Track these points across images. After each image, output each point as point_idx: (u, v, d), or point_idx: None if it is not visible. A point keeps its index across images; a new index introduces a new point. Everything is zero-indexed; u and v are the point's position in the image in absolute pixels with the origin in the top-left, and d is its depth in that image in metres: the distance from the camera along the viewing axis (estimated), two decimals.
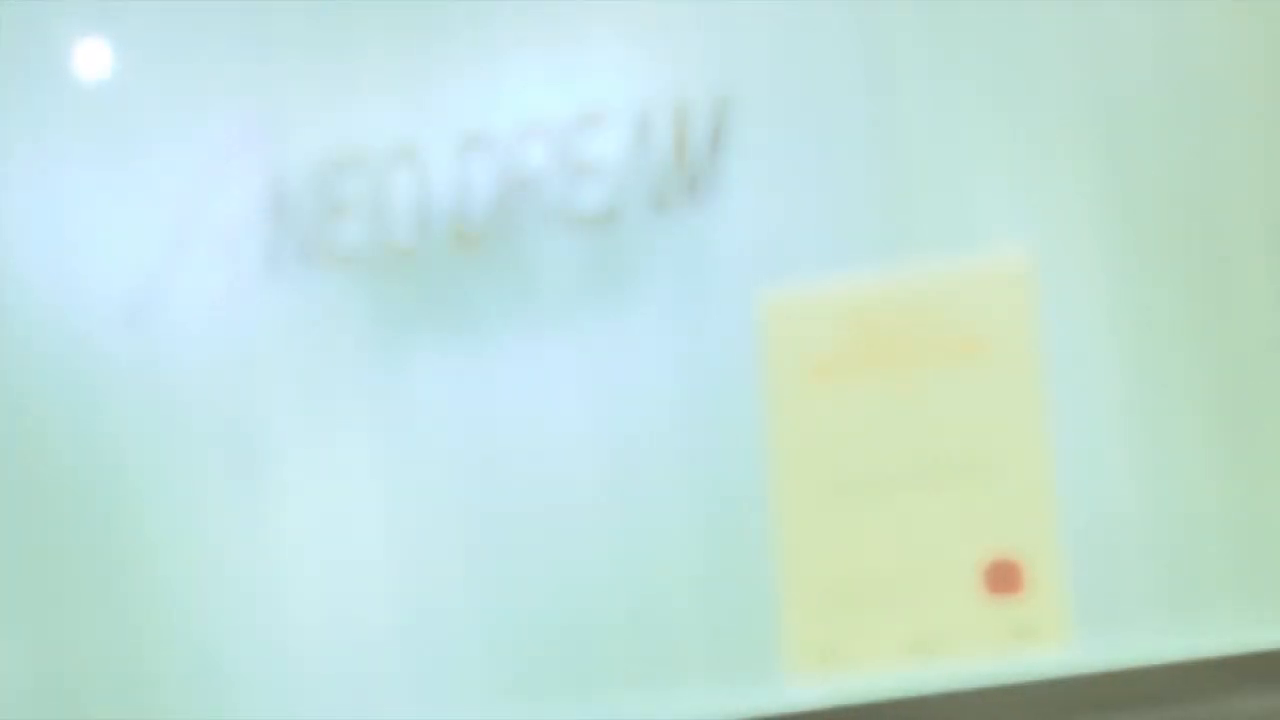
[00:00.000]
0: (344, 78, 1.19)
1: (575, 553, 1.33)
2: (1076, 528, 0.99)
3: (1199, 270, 1.06)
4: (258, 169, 1.16)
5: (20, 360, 1.18)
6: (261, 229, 1.22)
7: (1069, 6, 1.08)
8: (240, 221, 1.20)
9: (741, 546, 1.22)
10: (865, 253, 1.08)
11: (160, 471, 1.26)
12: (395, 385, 1.37)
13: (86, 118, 1.19)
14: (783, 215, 1.16)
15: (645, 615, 1.31)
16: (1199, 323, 1.06)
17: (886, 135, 1.12)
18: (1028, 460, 0.98)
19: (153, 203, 1.18)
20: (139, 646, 1.13)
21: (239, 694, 1.18)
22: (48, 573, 1.16)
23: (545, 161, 1.15)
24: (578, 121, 1.16)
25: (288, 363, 1.40)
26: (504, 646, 1.35)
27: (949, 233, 1.06)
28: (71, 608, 1.15)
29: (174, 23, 1.19)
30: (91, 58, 1.18)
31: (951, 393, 0.99)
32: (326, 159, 1.20)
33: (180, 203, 1.19)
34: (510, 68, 1.19)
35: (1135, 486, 1.06)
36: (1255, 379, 1.06)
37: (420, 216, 1.21)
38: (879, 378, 1.02)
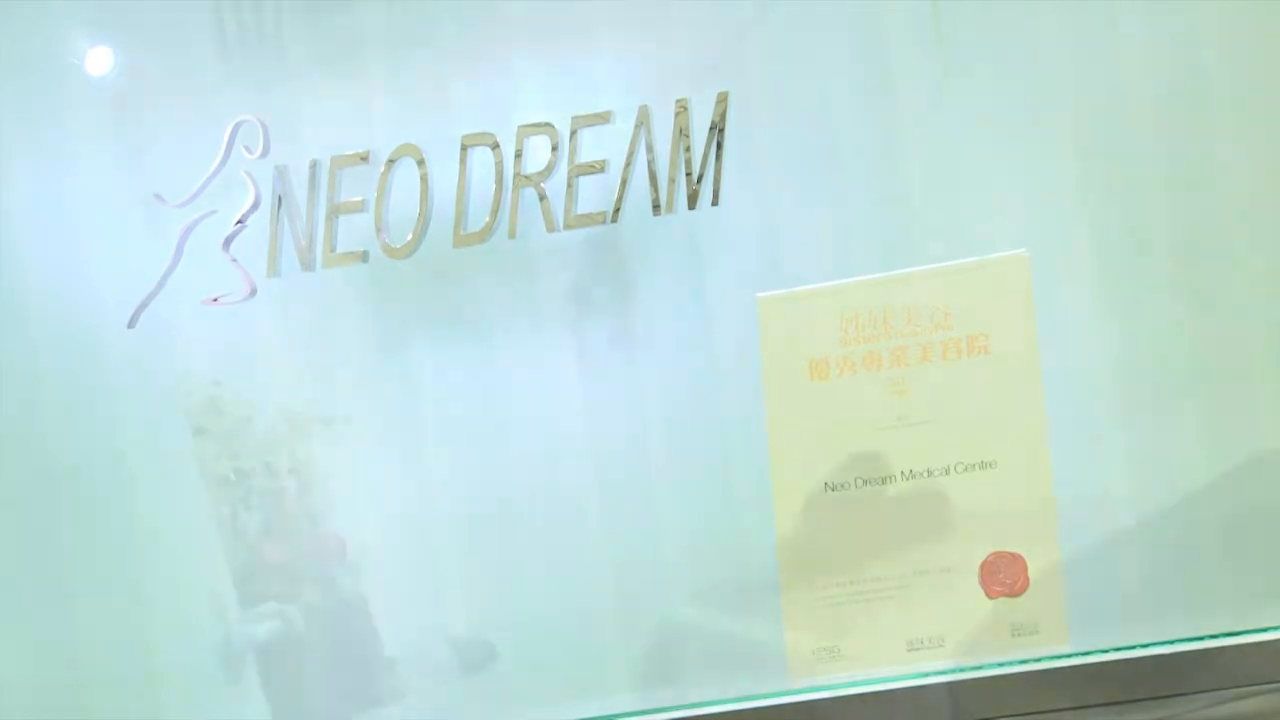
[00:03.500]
0: (346, 77, 1.19)
1: (574, 551, 1.34)
2: (1074, 524, 1.00)
3: (1192, 263, 1.07)
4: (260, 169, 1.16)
5: (23, 359, 1.18)
6: (264, 229, 1.23)
7: (1068, 7, 1.09)
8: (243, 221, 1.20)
9: (742, 544, 1.23)
10: (865, 252, 1.09)
11: (161, 472, 1.26)
12: (399, 383, 1.38)
13: (90, 116, 1.19)
14: (783, 216, 1.16)
15: (644, 613, 1.32)
16: (1193, 316, 1.06)
17: (886, 136, 1.13)
18: (1028, 459, 0.99)
19: (156, 203, 1.18)
20: (142, 646, 1.13)
21: (241, 693, 1.18)
22: (51, 573, 1.17)
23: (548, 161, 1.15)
24: (579, 121, 1.16)
25: (288, 362, 1.40)
26: (504, 645, 1.35)
27: (948, 231, 1.07)
28: (74, 608, 1.15)
29: (177, 21, 1.19)
30: (96, 57, 1.19)
31: (952, 392, 0.99)
32: (329, 158, 1.20)
33: (184, 203, 1.19)
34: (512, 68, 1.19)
35: (1131, 483, 1.07)
36: (1249, 373, 1.07)
37: (422, 216, 1.22)
38: (879, 377, 1.03)
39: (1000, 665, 0.98)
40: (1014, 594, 0.98)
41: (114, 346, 1.21)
